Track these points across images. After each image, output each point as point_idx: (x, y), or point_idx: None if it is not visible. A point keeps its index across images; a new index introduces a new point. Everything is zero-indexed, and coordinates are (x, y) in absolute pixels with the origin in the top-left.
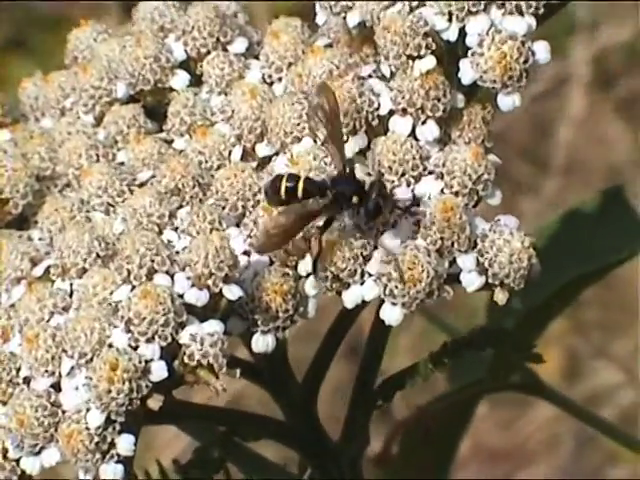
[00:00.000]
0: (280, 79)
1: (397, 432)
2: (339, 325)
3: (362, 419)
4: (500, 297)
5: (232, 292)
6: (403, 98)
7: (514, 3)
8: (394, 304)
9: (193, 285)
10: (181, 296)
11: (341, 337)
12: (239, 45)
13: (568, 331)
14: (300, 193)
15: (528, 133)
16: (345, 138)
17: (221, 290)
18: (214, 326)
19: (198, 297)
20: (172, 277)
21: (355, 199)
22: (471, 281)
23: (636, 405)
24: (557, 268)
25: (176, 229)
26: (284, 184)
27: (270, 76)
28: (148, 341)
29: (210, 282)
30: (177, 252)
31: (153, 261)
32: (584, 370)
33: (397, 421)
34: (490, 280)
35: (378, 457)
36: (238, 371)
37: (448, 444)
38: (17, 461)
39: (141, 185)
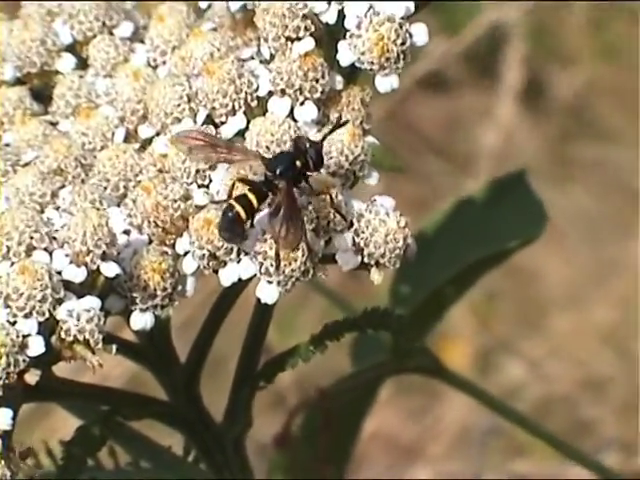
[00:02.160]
0: (164, 62)
1: (296, 414)
2: (220, 305)
3: (245, 400)
4: (376, 277)
5: (110, 269)
6: (282, 79)
7: None
8: (270, 282)
9: (71, 262)
10: (59, 273)
11: (222, 317)
12: (125, 29)
13: (477, 326)
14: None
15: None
16: (224, 119)
17: (99, 267)
18: (91, 302)
19: (76, 274)
20: (51, 254)
21: (298, 163)
22: (346, 260)
23: (544, 401)
24: (454, 253)
25: (58, 208)
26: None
27: (155, 59)
28: (26, 316)
29: (88, 259)
30: (57, 230)
31: (32, 238)
32: (494, 365)
33: (296, 403)
34: (366, 260)
35: (277, 438)
36: (114, 347)
37: (349, 427)
38: None
39: (25, 165)
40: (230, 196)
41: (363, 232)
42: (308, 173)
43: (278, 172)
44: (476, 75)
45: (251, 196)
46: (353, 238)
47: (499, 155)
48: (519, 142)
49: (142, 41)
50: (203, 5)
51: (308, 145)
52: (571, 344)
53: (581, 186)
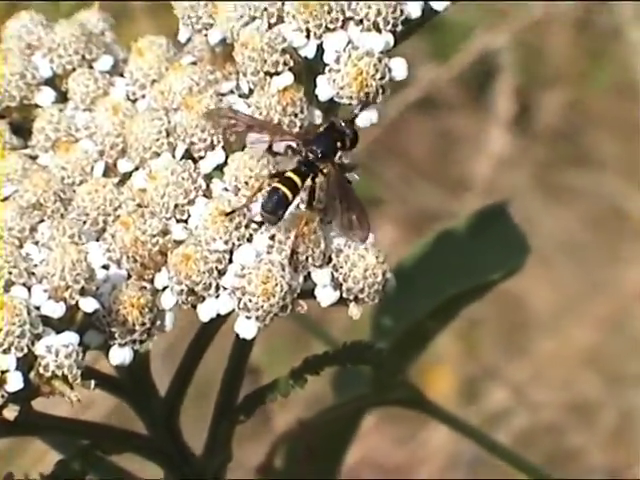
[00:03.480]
0: (144, 96)
1: (278, 445)
2: (199, 339)
3: (224, 434)
4: (355, 312)
5: (88, 305)
6: (260, 114)
7: (372, 20)
8: (248, 317)
9: (50, 297)
10: (38, 308)
11: (202, 351)
12: (104, 63)
13: (462, 352)
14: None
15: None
16: (203, 154)
17: (77, 303)
18: (69, 338)
19: (54, 309)
20: (29, 289)
21: (339, 143)
22: (325, 296)
23: (530, 428)
24: (436, 285)
25: (37, 243)
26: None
27: (134, 93)
28: (4, 352)
29: (67, 294)
30: (35, 265)
31: (11, 273)
32: (479, 392)
33: (279, 434)
34: (345, 295)
35: (260, 468)
36: (93, 382)
37: (331, 457)
38: None
39: (4, 200)
40: (272, 177)
41: (342, 267)
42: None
43: (320, 153)
44: (467, 99)
45: (295, 177)
46: (332, 273)
47: (489, 180)
48: (509, 167)
49: (122, 74)
50: (182, 39)
51: (343, 124)
52: (556, 369)
53: (568, 211)
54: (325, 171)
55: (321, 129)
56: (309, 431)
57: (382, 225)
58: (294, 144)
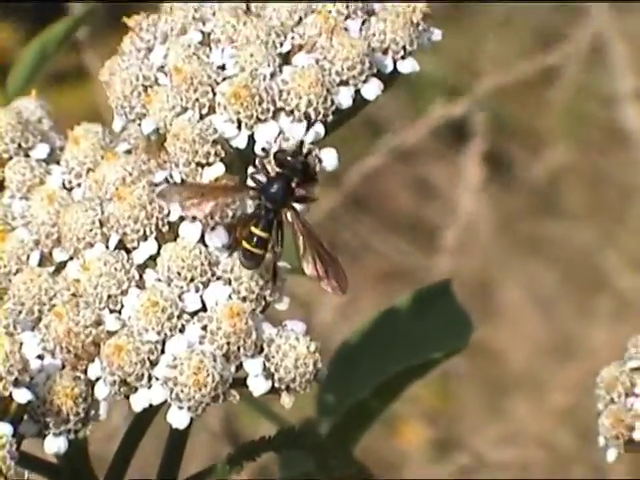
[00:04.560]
0: (79, 185)
1: None
2: (134, 427)
3: None
4: (286, 401)
5: (22, 396)
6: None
7: (302, 111)
8: (180, 408)
9: None
10: None
11: (139, 437)
12: (40, 151)
13: (436, 406)
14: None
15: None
16: (136, 245)
17: (11, 394)
18: (3, 429)
19: None
20: None
21: (293, 183)
22: (257, 385)
23: None
24: (379, 364)
25: None
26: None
27: (70, 182)
28: None
29: (0, 386)
30: None
31: None
32: (450, 447)
33: None
34: (277, 384)
35: None
36: (26, 472)
37: None
38: None
39: None
40: (238, 238)
41: (273, 357)
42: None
43: (280, 199)
44: (441, 150)
45: (261, 233)
46: (264, 363)
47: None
48: (481, 219)
49: (58, 162)
50: (117, 128)
51: (292, 158)
52: (530, 425)
53: (540, 263)
54: (287, 216)
55: (270, 171)
56: None
57: (355, 279)
58: (245, 195)
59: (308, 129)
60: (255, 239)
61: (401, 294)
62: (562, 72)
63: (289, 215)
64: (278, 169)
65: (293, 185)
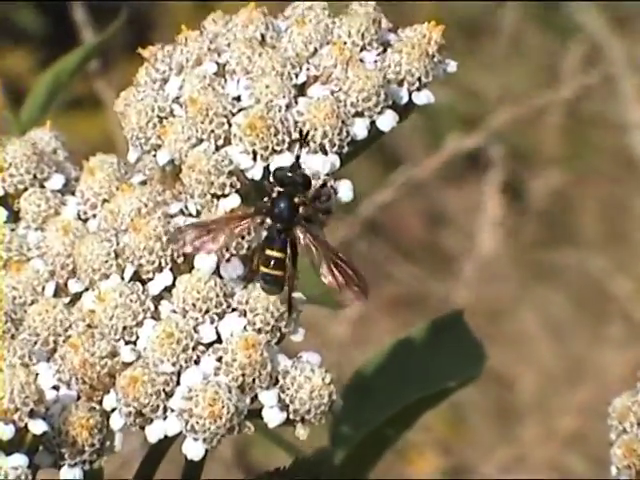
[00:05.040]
0: (94, 216)
1: None
2: (151, 456)
3: None
4: (301, 432)
5: (37, 427)
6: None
7: (318, 142)
8: (195, 439)
9: None
10: None
11: (154, 467)
12: (55, 182)
13: (447, 432)
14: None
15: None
16: (151, 276)
17: (27, 425)
18: (19, 460)
19: (4, 431)
20: None
21: (296, 199)
22: (272, 417)
23: None
24: (393, 394)
25: None
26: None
27: (85, 212)
28: None
29: (16, 417)
30: None
31: None
32: (464, 472)
33: None
34: (292, 416)
35: None
36: None
37: None
38: None
39: None
40: (255, 266)
41: (288, 389)
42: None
43: (287, 217)
44: (454, 177)
45: (277, 254)
46: (279, 394)
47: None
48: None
49: (73, 193)
50: (132, 159)
51: (292, 173)
52: (541, 451)
53: (553, 290)
54: (298, 232)
55: (273, 192)
56: None
57: (368, 306)
58: (257, 222)
59: (323, 160)
60: (272, 262)
61: (415, 322)
62: (574, 102)
63: (299, 231)
64: (280, 188)
65: (297, 201)
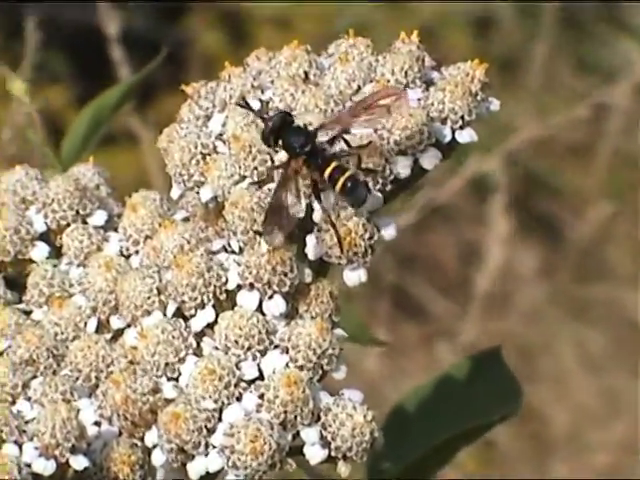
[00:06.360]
0: (137, 252)
1: None
2: None
3: None
4: (343, 470)
5: (78, 462)
6: (250, 273)
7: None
8: (237, 475)
9: (41, 455)
10: (28, 465)
11: None
12: (98, 218)
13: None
14: None
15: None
16: (194, 313)
17: (68, 460)
18: None
19: (45, 466)
20: (20, 447)
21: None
22: (314, 454)
23: None
24: (432, 429)
25: (29, 399)
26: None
27: (127, 249)
28: None
29: (57, 452)
30: (27, 422)
31: (2, 431)
32: None
33: None
34: (333, 453)
35: None
36: None
37: None
38: None
39: None
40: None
41: (330, 426)
42: None
43: (300, 141)
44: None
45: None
46: (320, 431)
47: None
48: (530, 281)
49: (116, 229)
50: (175, 196)
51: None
52: None
53: (588, 325)
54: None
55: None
56: None
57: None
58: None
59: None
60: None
61: (449, 357)
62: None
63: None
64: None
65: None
